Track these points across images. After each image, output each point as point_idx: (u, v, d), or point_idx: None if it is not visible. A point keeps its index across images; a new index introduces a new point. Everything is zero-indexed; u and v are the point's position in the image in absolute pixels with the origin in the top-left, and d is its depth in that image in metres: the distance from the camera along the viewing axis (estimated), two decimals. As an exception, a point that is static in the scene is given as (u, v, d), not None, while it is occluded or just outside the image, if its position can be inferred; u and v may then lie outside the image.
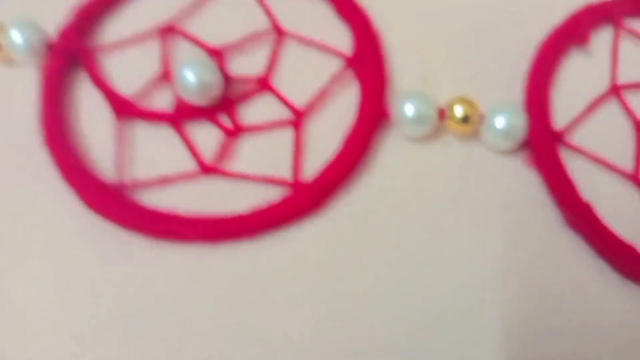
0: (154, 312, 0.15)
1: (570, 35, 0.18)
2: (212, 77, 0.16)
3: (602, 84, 0.18)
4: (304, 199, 0.16)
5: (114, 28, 0.18)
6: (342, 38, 0.18)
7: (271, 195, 0.16)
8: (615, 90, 0.18)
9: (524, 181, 0.16)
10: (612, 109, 0.17)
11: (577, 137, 0.17)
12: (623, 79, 0.18)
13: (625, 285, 0.15)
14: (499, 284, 0.15)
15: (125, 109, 0.17)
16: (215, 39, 0.18)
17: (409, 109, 0.16)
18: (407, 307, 0.15)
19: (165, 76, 0.17)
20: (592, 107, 0.17)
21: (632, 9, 0.19)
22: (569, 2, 0.19)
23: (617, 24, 0.19)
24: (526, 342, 0.14)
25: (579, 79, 0.18)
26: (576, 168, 0.16)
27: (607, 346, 0.15)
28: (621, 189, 0.16)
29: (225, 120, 0.17)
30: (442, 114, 0.16)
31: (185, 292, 0.15)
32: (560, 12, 0.18)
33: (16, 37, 0.17)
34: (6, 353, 0.14)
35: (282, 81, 0.17)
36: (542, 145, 0.16)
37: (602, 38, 0.19)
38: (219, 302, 0.15)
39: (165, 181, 0.16)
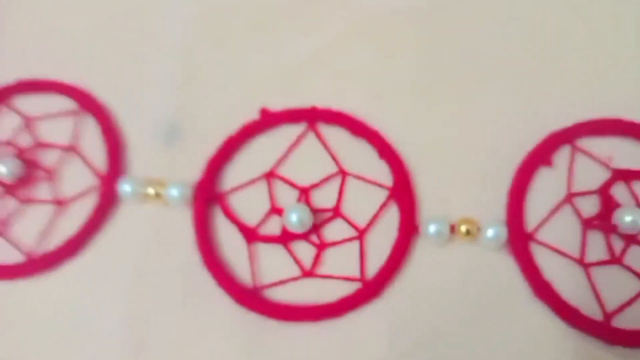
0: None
1: (538, 159, 0.27)
2: (306, 216, 0.26)
3: (561, 193, 0.27)
4: (370, 291, 0.25)
5: (232, 174, 0.28)
6: (383, 173, 0.27)
7: (348, 289, 0.25)
8: (570, 197, 0.27)
9: (508, 268, 0.25)
10: (567, 210, 0.26)
11: (543, 234, 0.26)
12: (577, 187, 0.27)
13: (576, 337, 0.24)
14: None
15: (251, 235, 0.27)
16: (300, 178, 0.27)
17: (432, 228, 0.25)
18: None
19: (273, 210, 0.27)
20: (554, 211, 0.26)
21: (585, 132, 0.28)
22: (537, 129, 0.27)
23: (573, 145, 0.27)
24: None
25: (545, 189, 0.27)
26: (542, 256, 0.25)
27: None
28: (571, 269, 0.25)
29: (315, 238, 0.26)
30: (453, 229, 0.26)
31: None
32: (532, 138, 0.27)
33: (173, 191, 0.27)
34: None
35: (347, 209, 0.27)
36: (518, 244, 0.25)
37: (562, 156, 0.27)
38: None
39: (281, 283, 0.26)
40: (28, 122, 0.30)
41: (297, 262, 0.26)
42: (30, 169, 0.29)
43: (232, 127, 0.28)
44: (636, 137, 0.27)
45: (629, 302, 0.25)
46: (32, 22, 0.32)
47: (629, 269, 0.25)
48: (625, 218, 0.25)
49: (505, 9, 0.30)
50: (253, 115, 0.29)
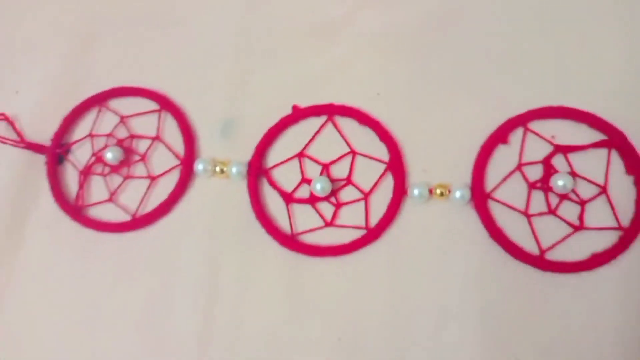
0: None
1: (498, 138, 0.37)
2: (327, 184, 0.36)
3: (513, 163, 0.36)
4: (372, 236, 0.36)
5: (274, 155, 0.39)
6: (382, 152, 0.37)
7: (357, 234, 0.36)
8: (520, 166, 0.36)
9: (472, 220, 0.36)
10: (517, 176, 0.36)
11: (498, 194, 0.36)
12: (526, 159, 0.36)
13: (519, 267, 0.34)
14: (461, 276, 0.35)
15: (288, 198, 0.37)
16: (322, 157, 0.38)
17: (416, 191, 0.36)
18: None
19: (304, 180, 0.37)
20: (507, 177, 0.36)
21: (534, 117, 0.37)
22: (498, 116, 0.37)
23: (525, 127, 0.37)
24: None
25: (502, 161, 0.36)
26: (497, 210, 0.35)
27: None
28: (518, 218, 0.35)
29: (333, 200, 0.37)
30: (431, 192, 0.36)
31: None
32: (493, 122, 0.37)
33: (233, 168, 0.38)
34: None
35: (356, 178, 0.37)
36: (480, 201, 0.35)
37: (516, 136, 0.37)
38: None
39: (310, 231, 0.37)
40: (123, 120, 0.41)
41: (321, 216, 0.37)
42: (128, 154, 0.40)
43: (272, 120, 0.39)
44: (575, 120, 0.36)
45: (559, 242, 0.35)
46: (120, 41, 0.43)
47: (560, 218, 0.35)
48: (559, 182, 0.35)
49: (473, 30, 0.39)
50: (287, 110, 0.39)
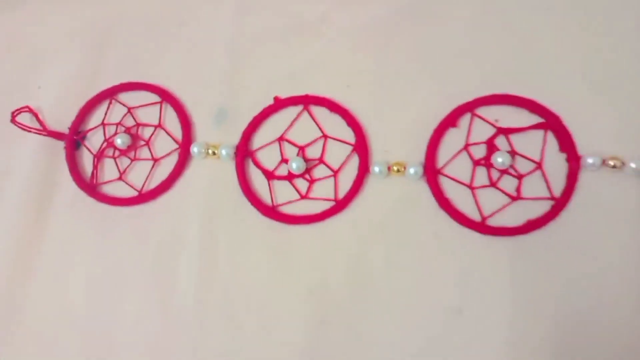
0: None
1: (449, 122, 0.42)
2: (302, 164, 0.43)
3: (461, 144, 0.42)
4: (340, 206, 0.42)
5: (258, 139, 0.45)
6: (349, 136, 0.43)
7: (327, 205, 0.42)
8: (467, 146, 0.42)
9: (424, 192, 0.41)
10: (464, 155, 0.42)
11: (448, 170, 0.42)
12: (472, 140, 0.42)
13: (463, 231, 0.40)
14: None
15: (270, 175, 0.44)
16: (299, 140, 0.44)
17: (377, 169, 0.42)
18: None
19: (283, 160, 0.44)
20: (455, 155, 0.42)
21: (481, 104, 0.43)
22: (449, 103, 0.43)
23: (472, 113, 0.43)
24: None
25: (452, 142, 0.42)
26: (446, 184, 0.41)
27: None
28: (464, 191, 0.41)
29: (307, 177, 0.43)
30: (389, 169, 0.42)
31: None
32: (445, 109, 0.42)
33: (223, 151, 0.44)
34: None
35: (327, 158, 0.43)
36: (431, 177, 0.41)
37: (465, 120, 0.43)
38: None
39: (288, 202, 0.43)
40: (130, 110, 0.48)
41: (297, 190, 0.43)
42: (134, 140, 0.47)
43: (257, 109, 0.45)
44: (516, 105, 0.42)
45: (498, 210, 0.40)
46: (127, 43, 0.50)
47: (500, 190, 0.41)
48: (498, 159, 0.40)
49: (431, 28, 0.44)
50: (270, 101, 0.45)
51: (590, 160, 0.39)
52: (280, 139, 0.44)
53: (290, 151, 0.44)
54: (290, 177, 0.43)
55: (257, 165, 0.44)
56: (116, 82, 0.48)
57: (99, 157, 0.47)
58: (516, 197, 0.40)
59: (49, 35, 0.51)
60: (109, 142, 0.47)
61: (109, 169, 0.47)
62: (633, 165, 0.39)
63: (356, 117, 0.44)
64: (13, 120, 0.47)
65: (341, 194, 0.42)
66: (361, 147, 0.43)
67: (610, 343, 0.37)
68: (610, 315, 0.38)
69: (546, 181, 0.40)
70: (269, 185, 0.44)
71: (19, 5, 0.53)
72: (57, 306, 0.45)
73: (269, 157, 0.44)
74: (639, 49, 0.41)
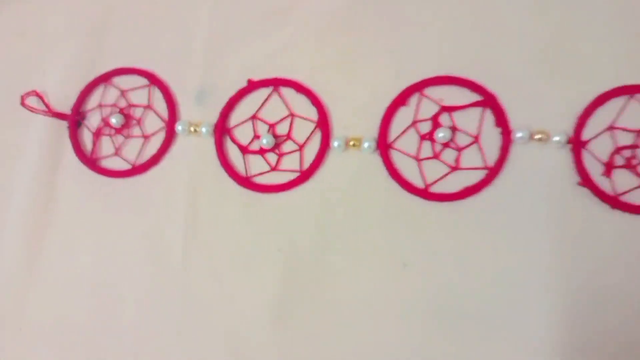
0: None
1: (399, 101, 0.48)
2: (272, 140, 0.49)
3: (410, 120, 0.48)
4: (305, 176, 0.48)
5: (235, 117, 0.51)
6: (313, 113, 0.49)
7: (294, 176, 0.49)
8: (414, 123, 0.48)
9: (377, 164, 0.48)
10: (412, 130, 0.48)
11: (397, 144, 0.48)
12: (419, 117, 0.48)
13: (409, 197, 0.47)
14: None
15: (245, 150, 0.50)
16: (269, 118, 0.50)
17: (336, 143, 0.48)
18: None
19: (256, 136, 0.50)
20: (404, 130, 0.48)
21: (428, 84, 0.48)
22: (400, 84, 0.48)
23: (420, 92, 0.48)
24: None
25: (402, 119, 0.48)
26: (396, 157, 0.47)
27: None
28: (411, 162, 0.47)
29: (277, 151, 0.50)
30: (347, 143, 0.48)
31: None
32: (396, 89, 0.48)
33: (204, 129, 0.51)
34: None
35: (294, 134, 0.49)
36: (383, 150, 0.47)
37: (414, 99, 0.48)
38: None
39: (260, 174, 0.49)
40: (123, 93, 0.54)
41: (268, 163, 0.50)
42: (127, 119, 0.53)
43: (233, 90, 0.51)
44: (458, 85, 0.48)
45: (439, 179, 0.46)
46: (121, 31, 0.56)
47: (442, 161, 0.47)
48: (440, 134, 0.46)
49: (387, 14, 0.49)
50: (244, 83, 0.51)
51: (519, 134, 0.45)
52: (253, 117, 0.51)
53: (262, 128, 0.50)
54: (262, 151, 0.50)
55: (234, 141, 0.51)
56: (111, 68, 0.54)
57: (97, 134, 0.53)
58: (455, 167, 0.46)
59: (52, 25, 0.57)
60: (105, 122, 0.53)
61: (106, 145, 0.53)
62: (557, 138, 0.44)
63: (319, 97, 0.49)
64: (23, 103, 0.53)
65: (306, 166, 0.49)
66: (323, 124, 0.49)
67: (535, 294, 0.44)
68: (533, 267, 0.44)
69: (482, 153, 0.46)
70: (244, 158, 0.50)
71: (24, -2, 0.59)
72: (69, 264, 0.52)
73: (243, 134, 0.51)
74: (567, 34, 0.46)
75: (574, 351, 0.42)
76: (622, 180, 0.44)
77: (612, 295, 0.42)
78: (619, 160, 0.44)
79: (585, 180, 0.44)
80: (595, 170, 0.44)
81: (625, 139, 0.44)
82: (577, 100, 0.45)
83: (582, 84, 0.45)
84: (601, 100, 0.45)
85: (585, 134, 0.45)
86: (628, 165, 0.44)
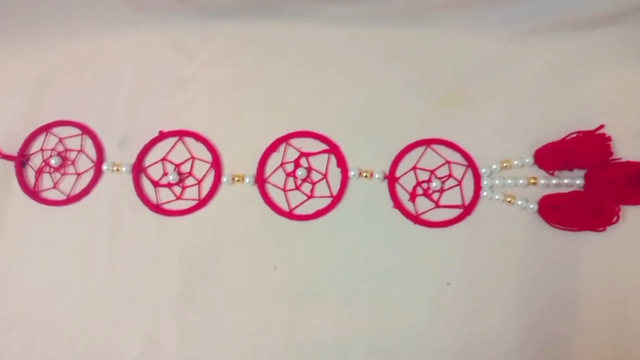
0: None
1: (272, 149, 0.66)
2: (176, 177, 0.66)
3: (279, 162, 0.66)
4: (202, 203, 0.65)
5: (148, 160, 0.67)
6: (207, 155, 0.67)
7: (192, 204, 0.66)
8: (282, 165, 0.66)
9: (256, 194, 0.65)
10: (280, 170, 0.66)
11: (271, 179, 0.66)
12: (285, 160, 0.66)
13: (281, 221, 0.65)
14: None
15: (156, 184, 0.67)
16: (175, 160, 0.67)
17: (225, 178, 0.65)
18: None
19: (165, 173, 0.67)
20: (275, 170, 0.66)
21: (293, 137, 0.67)
22: (273, 135, 0.66)
23: (287, 143, 0.67)
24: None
25: (273, 161, 0.66)
26: (269, 188, 0.65)
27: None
28: (280, 193, 0.65)
29: (181, 185, 0.67)
30: (234, 179, 0.65)
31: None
32: (270, 139, 0.66)
33: (124, 168, 0.67)
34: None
35: (195, 173, 0.67)
36: (260, 183, 0.65)
37: (281, 148, 0.67)
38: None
39: (166, 202, 0.66)
40: (61, 140, 0.69)
41: (174, 194, 0.66)
42: (64, 160, 0.68)
43: (148, 138, 0.68)
44: (313, 138, 0.66)
45: (300, 204, 0.65)
46: (60, 86, 0.71)
47: (300, 191, 0.65)
48: (298, 172, 0.65)
49: (263, 86, 0.68)
50: (156, 133, 0.68)
51: (352, 172, 0.64)
52: (163, 159, 0.67)
53: (170, 167, 0.67)
54: (169, 185, 0.66)
55: (148, 177, 0.67)
56: (51, 120, 0.69)
57: (39, 172, 0.68)
58: (310, 196, 0.65)
59: (0, 82, 0.72)
60: (46, 162, 0.68)
61: (46, 181, 0.68)
62: (377, 175, 0.64)
63: (213, 144, 0.67)
64: (-24, 148, 0.67)
65: (203, 195, 0.66)
66: (216, 164, 0.66)
67: (359, 285, 0.62)
68: (352, 265, 0.62)
69: (329, 185, 0.65)
70: (155, 190, 0.67)
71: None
72: (17, 269, 0.66)
73: (155, 172, 0.67)
74: (383, 100, 0.66)
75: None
76: (422, 204, 0.64)
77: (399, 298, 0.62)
78: (419, 190, 0.64)
79: (397, 204, 0.64)
80: (404, 197, 0.64)
81: (424, 176, 0.65)
82: (392, 149, 0.65)
83: (395, 137, 0.65)
84: (408, 149, 0.65)
85: (398, 172, 0.65)
86: (426, 194, 0.64)
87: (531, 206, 0.62)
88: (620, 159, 0.62)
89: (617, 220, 0.61)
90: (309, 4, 0.66)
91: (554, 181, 0.63)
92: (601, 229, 0.61)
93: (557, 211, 0.62)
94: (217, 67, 0.70)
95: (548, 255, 0.61)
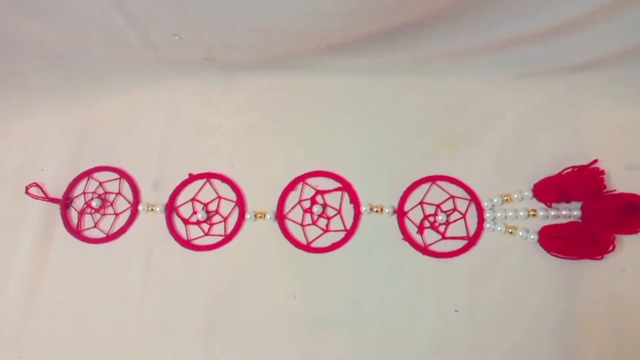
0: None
1: (290, 187, 0.73)
2: (204, 214, 0.72)
3: (297, 199, 0.72)
4: (228, 238, 0.72)
5: (180, 199, 0.75)
6: (232, 195, 0.74)
7: (219, 239, 0.72)
8: (300, 202, 0.72)
9: (276, 229, 0.71)
10: (297, 208, 0.72)
11: (290, 215, 0.72)
12: (303, 197, 0.72)
13: (300, 254, 0.70)
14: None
15: (186, 222, 0.74)
16: (203, 199, 0.74)
17: (248, 215, 0.72)
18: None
19: (194, 212, 0.74)
20: (294, 207, 0.72)
21: (310, 176, 0.73)
22: (291, 174, 0.73)
23: (304, 182, 0.73)
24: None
25: (292, 199, 0.73)
26: (289, 224, 0.71)
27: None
28: (299, 228, 0.71)
29: (208, 222, 0.73)
30: (256, 216, 0.72)
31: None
32: (288, 178, 0.73)
33: (158, 208, 0.74)
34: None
35: (222, 211, 0.73)
36: (280, 219, 0.72)
37: (299, 186, 0.73)
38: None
39: (196, 238, 0.73)
40: (101, 184, 0.77)
41: (202, 230, 0.73)
42: (104, 202, 0.76)
43: (178, 181, 0.75)
44: (328, 177, 0.73)
45: (316, 238, 0.71)
46: (100, 136, 0.79)
47: (317, 226, 0.71)
48: (314, 208, 0.71)
49: (283, 130, 0.75)
50: (186, 176, 0.75)
51: (364, 208, 0.70)
52: (193, 199, 0.74)
53: (198, 206, 0.74)
54: (198, 222, 0.73)
55: (179, 215, 0.74)
56: (91, 166, 0.77)
57: (81, 213, 0.76)
58: (326, 230, 0.71)
59: (46, 135, 0.80)
60: (87, 204, 0.76)
61: (87, 221, 0.75)
62: (387, 210, 0.70)
63: (237, 185, 0.74)
64: (26, 192, 0.76)
65: (229, 231, 0.72)
66: (240, 203, 0.73)
67: (368, 313, 0.67)
68: (369, 291, 0.68)
69: (342, 220, 0.71)
70: (186, 228, 0.73)
71: (27, 114, 0.81)
72: (60, 303, 0.72)
73: (185, 211, 0.74)
74: (390, 141, 0.72)
75: None
76: (429, 236, 0.69)
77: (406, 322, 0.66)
78: (426, 223, 0.70)
79: (406, 237, 0.69)
80: (412, 230, 0.70)
81: (430, 210, 0.70)
82: (400, 185, 0.71)
83: (402, 175, 0.71)
84: (415, 185, 0.71)
85: (406, 207, 0.70)
86: (432, 227, 0.70)
87: (532, 237, 0.67)
88: (614, 190, 0.67)
89: (613, 249, 0.64)
90: (319, 58, 0.74)
91: (552, 213, 0.68)
92: (599, 257, 0.65)
93: (556, 241, 0.66)
94: (239, 115, 0.77)
95: (549, 283, 0.65)
